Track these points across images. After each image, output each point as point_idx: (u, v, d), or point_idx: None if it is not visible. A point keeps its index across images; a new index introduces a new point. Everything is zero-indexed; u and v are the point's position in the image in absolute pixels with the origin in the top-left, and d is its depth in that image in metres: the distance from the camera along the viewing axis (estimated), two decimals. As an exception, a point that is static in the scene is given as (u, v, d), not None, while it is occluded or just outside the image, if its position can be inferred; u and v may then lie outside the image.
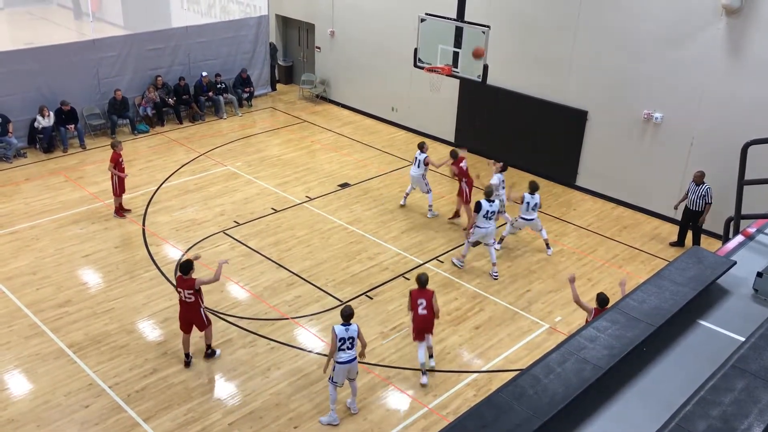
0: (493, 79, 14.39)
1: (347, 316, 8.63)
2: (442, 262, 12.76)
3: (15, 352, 10.02)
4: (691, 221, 13.24)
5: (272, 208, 14.51)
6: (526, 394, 4.38)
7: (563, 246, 13.53)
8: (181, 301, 9.62)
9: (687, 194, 13.16)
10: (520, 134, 16.65)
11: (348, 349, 8.66)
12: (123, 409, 9.08)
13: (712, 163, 13.49)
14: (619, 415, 4.59)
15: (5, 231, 13.22)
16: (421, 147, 14.17)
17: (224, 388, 9.56)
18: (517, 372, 4.85)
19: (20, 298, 11.25)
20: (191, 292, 9.47)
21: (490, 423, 4.14)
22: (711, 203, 12.91)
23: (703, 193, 12.87)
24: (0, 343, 10.21)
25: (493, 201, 12.01)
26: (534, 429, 4.09)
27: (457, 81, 16.19)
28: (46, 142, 16.67)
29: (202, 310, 9.70)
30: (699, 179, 12.89)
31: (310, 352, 10.31)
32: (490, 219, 11.98)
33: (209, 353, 10.06)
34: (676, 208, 13.66)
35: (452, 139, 18.12)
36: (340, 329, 8.59)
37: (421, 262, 12.69)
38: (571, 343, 4.93)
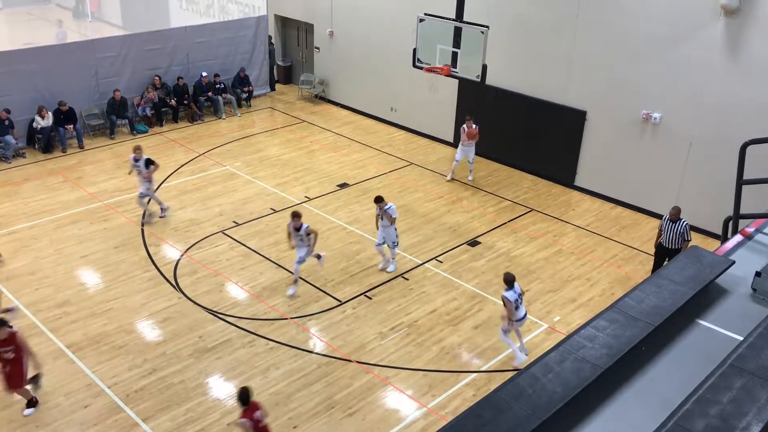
0: (492, 79, 14.41)
1: (511, 281, 9.67)
2: (441, 262, 12.76)
3: (14, 353, 10.00)
4: (667, 258, 11.72)
5: (271, 209, 14.51)
6: (525, 394, 4.39)
7: (562, 246, 13.54)
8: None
9: (660, 232, 11.79)
10: (520, 134, 16.66)
11: (521, 305, 9.82)
12: (122, 410, 9.07)
13: (710, 163, 13.51)
14: (618, 414, 4.59)
15: (4, 231, 13.20)
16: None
17: (223, 388, 9.55)
18: (516, 372, 4.85)
19: (19, 298, 11.24)
20: (11, 348, 8.54)
21: (489, 422, 4.15)
22: (690, 239, 11.53)
23: (682, 230, 11.44)
24: (-1, 343, 10.20)
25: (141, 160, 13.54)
26: (533, 428, 4.10)
27: (456, 81, 16.20)
28: (44, 142, 16.67)
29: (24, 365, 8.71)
30: (675, 216, 11.44)
31: (309, 352, 10.31)
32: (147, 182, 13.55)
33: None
34: (656, 247, 12.04)
35: (451, 140, 18.12)
36: (510, 293, 9.63)
37: (420, 262, 12.70)
38: (569, 343, 4.94)
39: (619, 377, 4.84)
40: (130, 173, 14.10)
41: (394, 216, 12.01)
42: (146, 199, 13.91)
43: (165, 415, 9.01)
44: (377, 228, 12.28)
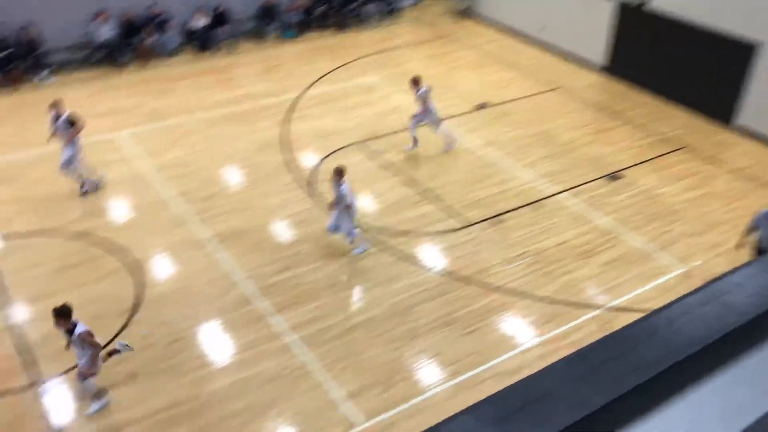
0: (657, 3, 13.25)
1: None
2: (577, 194, 12.29)
3: (163, 239, 10.85)
4: None
5: (408, 124, 14.48)
6: (659, 333, 4.17)
7: (711, 189, 12.61)
8: None
9: (749, 230, 9.88)
10: (679, 65, 15.36)
11: None
12: (255, 301, 9.66)
13: None
14: (761, 367, 4.29)
15: (161, 124, 14.10)
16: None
17: (349, 293, 9.91)
18: (644, 313, 4.63)
19: (172, 188, 12.07)
20: None
21: (617, 357, 4.00)
22: None
23: None
24: (150, 228, 11.08)
25: None
26: (666, 367, 3.91)
27: (611, 2, 15.09)
28: (200, 42, 17.42)
29: None
30: None
31: (430, 269, 10.41)
32: None
33: None
34: (738, 247, 10.19)
35: (602, 62, 17.07)
36: None
37: (554, 192, 12.30)
38: (714, 286, 4.62)
39: (765, 330, 4.49)
40: (51, 137, 11.41)
41: (349, 199, 9.97)
42: (76, 166, 11.48)
43: (293, 311, 9.50)
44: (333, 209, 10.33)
